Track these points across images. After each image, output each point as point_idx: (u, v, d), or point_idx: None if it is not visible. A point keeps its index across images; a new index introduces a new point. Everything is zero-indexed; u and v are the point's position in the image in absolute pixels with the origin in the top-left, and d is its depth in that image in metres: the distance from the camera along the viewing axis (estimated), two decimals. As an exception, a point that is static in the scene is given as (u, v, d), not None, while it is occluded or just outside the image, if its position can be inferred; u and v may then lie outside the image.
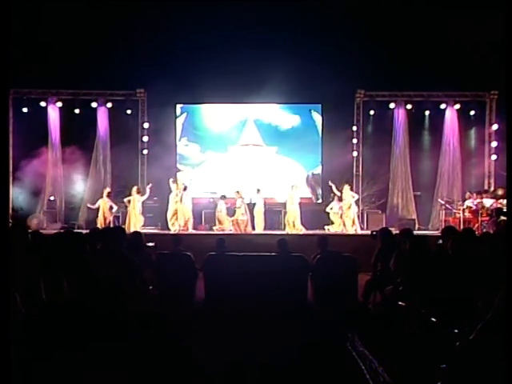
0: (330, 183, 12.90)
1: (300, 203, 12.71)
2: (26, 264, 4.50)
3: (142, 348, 4.25)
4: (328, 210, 13.06)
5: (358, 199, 13.78)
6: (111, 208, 12.75)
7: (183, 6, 11.93)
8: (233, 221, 12.67)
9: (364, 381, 3.74)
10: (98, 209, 12.74)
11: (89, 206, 13.40)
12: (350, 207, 12.68)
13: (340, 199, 12.83)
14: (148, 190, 12.92)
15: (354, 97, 14.93)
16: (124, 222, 12.67)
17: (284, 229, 12.73)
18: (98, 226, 11.94)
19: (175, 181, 13.05)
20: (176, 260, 6.59)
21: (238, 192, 12.91)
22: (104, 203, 12.68)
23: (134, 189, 12.82)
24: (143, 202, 12.83)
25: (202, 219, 13.70)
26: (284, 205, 13.01)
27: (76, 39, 12.63)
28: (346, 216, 12.66)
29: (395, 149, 15.01)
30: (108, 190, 13.10)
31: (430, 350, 3.53)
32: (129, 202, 12.67)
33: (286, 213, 12.89)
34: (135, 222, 12.39)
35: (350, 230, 12.52)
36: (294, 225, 12.48)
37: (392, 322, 4.59)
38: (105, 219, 12.51)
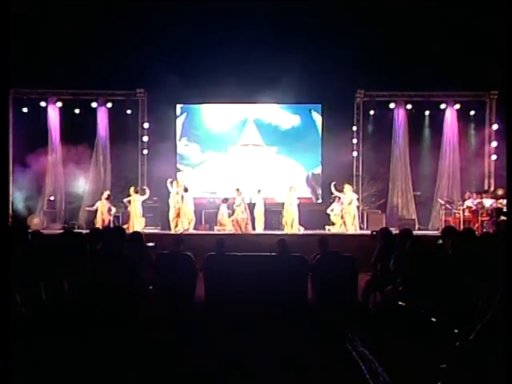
0: (332, 184, 12.78)
1: (299, 204, 12.68)
2: (26, 264, 4.51)
3: (142, 348, 4.25)
4: (329, 211, 13.05)
5: (358, 199, 13.76)
6: (109, 210, 12.72)
7: (183, 6, 11.92)
8: (233, 220, 12.66)
9: (364, 381, 3.74)
10: (96, 210, 12.73)
11: (87, 208, 13.42)
12: (350, 203, 12.62)
13: (339, 200, 12.81)
14: (148, 191, 12.91)
15: (354, 97, 14.93)
16: (124, 223, 12.66)
17: (284, 229, 12.73)
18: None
19: (173, 181, 12.86)
20: (176, 260, 6.57)
21: (237, 190, 12.88)
22: (102, 205, 12.66)
23: (132, 189, 12.80)
24: (143, 202, 12.82)
25: (202, 219, 13.70)
26: (284, 205, 12.99)
27: (76, 39, 12.62)
28: (346, 212, 12.60)
29: (395, 149, 15.01)
30: (108, 192, 13.05)
31: (430, 350, 3.53)
32: (129, 202, 12.67)
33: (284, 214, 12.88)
34: (136, 224, 12.37)
35: (351, 229, 12.50)
36: (292, 226, 12.47)
37: (392, 321, 4.59)
38: (103, 221, 12.47)
